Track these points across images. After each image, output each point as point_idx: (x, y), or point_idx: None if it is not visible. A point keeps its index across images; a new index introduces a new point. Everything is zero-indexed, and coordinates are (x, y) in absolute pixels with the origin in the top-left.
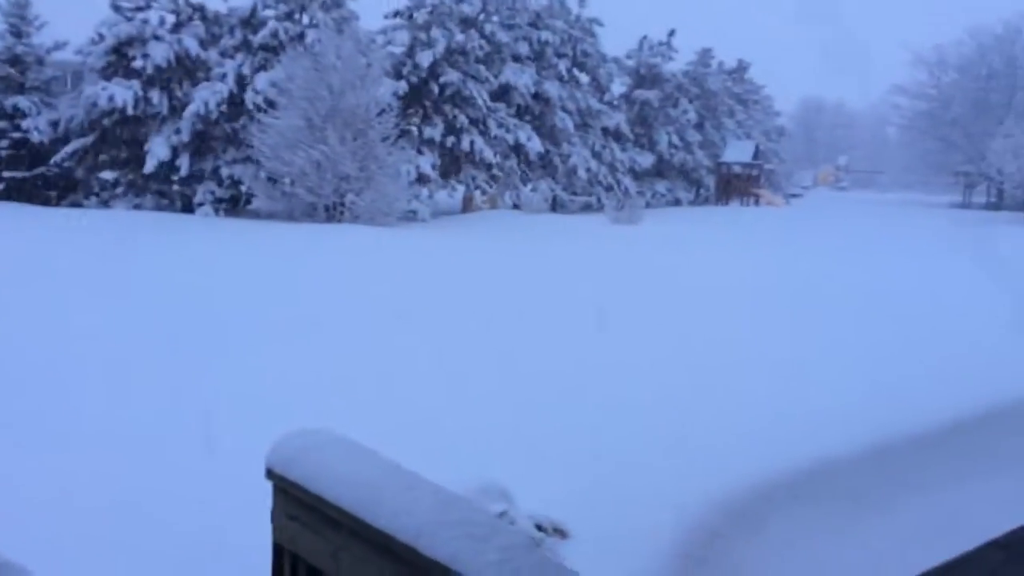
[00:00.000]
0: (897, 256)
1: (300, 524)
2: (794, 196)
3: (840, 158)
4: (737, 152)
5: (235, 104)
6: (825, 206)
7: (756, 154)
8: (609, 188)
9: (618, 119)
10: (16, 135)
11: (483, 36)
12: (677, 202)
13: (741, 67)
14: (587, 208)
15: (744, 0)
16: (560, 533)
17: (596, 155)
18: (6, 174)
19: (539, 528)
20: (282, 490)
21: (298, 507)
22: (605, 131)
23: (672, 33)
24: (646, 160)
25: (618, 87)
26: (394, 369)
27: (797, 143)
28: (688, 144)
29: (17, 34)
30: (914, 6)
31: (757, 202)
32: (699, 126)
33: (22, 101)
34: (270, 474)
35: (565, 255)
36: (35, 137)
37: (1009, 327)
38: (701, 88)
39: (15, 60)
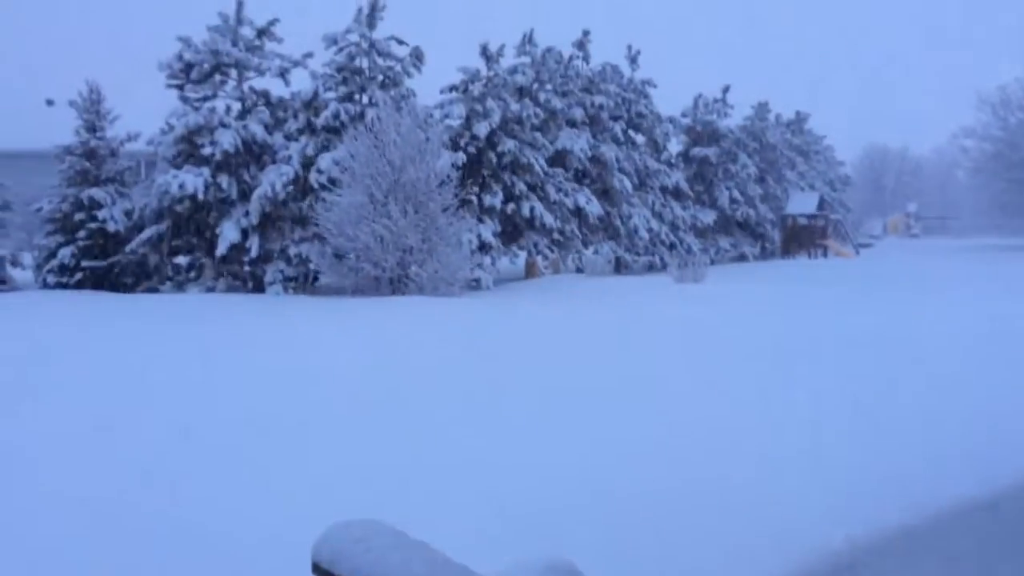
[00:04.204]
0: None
1: None
2: (864, 246)
3: (909, 205)
4: (801, 204)
5: (300, 184)
6: (897, 254)
7: (821, 205)
8: (672, 247)
9: (676, 177)
10: (93, 225)
11: (537, 104)
12: (742, 257)
13: (800, 118)
14: (650, 268)
15: (797, 53)
16: None
17: (656, 214)
18: (85, 263)
19: None
20: None
21: None
22: (664, 190)
23: (727, 89)
24: (708, 217)
25: (675, 145)
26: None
27: (863, 191)
28: (750, 198)
29: (92, 129)
30: (962, 49)
31: (825, 253)
32: (760, 180)
33: (97, 192)
34: (317, 569)
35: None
36: (111, 227)
37: None
38: (760, 142)
39: (90, 154)
